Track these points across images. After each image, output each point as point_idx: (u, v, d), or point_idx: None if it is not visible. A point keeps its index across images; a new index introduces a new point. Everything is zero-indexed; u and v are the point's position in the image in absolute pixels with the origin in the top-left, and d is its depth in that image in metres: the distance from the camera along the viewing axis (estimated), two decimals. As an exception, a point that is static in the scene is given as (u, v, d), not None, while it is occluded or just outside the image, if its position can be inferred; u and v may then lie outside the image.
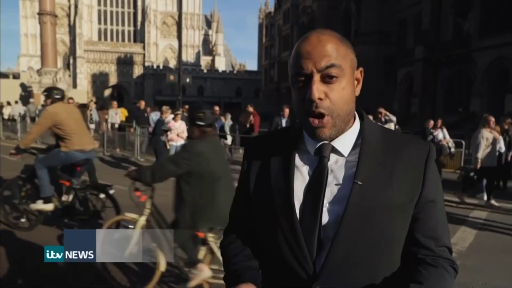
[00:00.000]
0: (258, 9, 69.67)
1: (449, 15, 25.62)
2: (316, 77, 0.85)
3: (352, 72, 0.90)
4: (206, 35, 77.93)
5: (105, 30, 68.51)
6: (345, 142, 0.92)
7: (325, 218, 0.89)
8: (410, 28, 29.35)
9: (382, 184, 0.88)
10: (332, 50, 0.85)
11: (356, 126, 0.95)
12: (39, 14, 22.49)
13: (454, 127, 16.18)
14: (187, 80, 15.44)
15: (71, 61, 63.03)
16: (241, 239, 1.05)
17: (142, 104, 13.04)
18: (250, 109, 12.13)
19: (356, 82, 0.93)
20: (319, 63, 0.84)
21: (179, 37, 18.24)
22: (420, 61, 26.30)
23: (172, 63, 67.85)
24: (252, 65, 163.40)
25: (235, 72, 74.70)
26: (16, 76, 37.76)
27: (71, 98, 11.72)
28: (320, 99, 0.85)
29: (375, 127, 0.97)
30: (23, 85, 24.79)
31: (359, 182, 0.87)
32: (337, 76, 0.86)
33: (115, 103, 14.43)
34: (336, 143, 0.91)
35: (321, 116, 0.86)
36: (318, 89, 0.84)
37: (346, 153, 0.92)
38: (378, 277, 0.90)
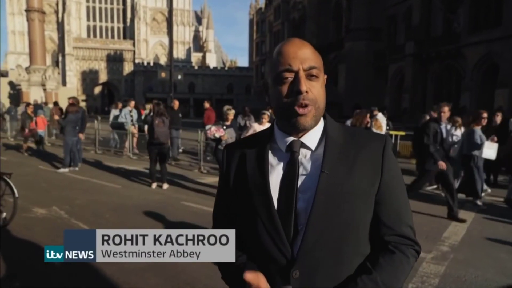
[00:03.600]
0: (249, 5, 69.56)
1: (438, 11, 25.80)
2: (302, 74, 0.97)
3: (323, 76, 1.03)
4: (197, 32, 77.55)
5: (94, 26, 67.78)
6: (312, 137, 1.03)
7: (298, 206, 0.98)
8: (400, 24, 29.52)
9: (346, 172, 0.99)
10: (313, 54, 1.00)
11: (321, 124, 1.06)
12: (27, 11, 22.18)
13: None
14: (179, 77, 15.38)
15: (60, 58, 62.32)
16: None
17: (176, 104, 12.01)
18: (206, 105, 12.28)
19: None
20: (304, 62, 0.97)
21: (170, 33, 18.10)
22: (410, 56, 26.49)
23: (163, 60, 67.45)
24: (243, 61, 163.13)
25: (226, 68, 74.43)
26: (4, 74, 37.14)
27: (73, 98, 10.94)
28: (306, 92, 0.96)
29: (337, 124, 1.09)
30: (11, 83, 24.44)
31: (325, 172, 0.98)
32: (317, 76, 0.99)
33: (132, 102, 13.36)
34: (304, 139, 1.03)
35: (305, 106, 0.97)
36: (305, 83, 0.96)
37: (313, 147, 1.03)
38: (347, 260, 0.99)
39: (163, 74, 14.60)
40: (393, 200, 1.02)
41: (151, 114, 8.79)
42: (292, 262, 0.96)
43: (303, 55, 0.97)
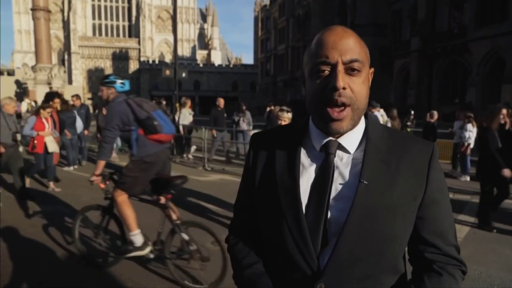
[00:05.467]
0: (254, 2, 69.37)
1: (444, 6, 25.56)
2: (341, 67, 0.85)
3: (368, 69, 0.92)
4: (202, 29, 77.53)
5: (100, 25, 68.01)
6: (351, 139, 0.93)
7: (330, 215, 0.90)
8: (406, 20, 29.31)
9: (387, 183, 0.89)
10: (356, 45, 0.88)
11: (362, 124, 0.95)
12: (33, 9, 22.25)
13: (450, 118, 16.23)
14: (183, 74, 15.29)
15: (66, 57, 62.64)
16: (246, 236, 1.08)
17: (221, 102, 10.95)
18: (186, 99, 11.91)
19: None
20: (345, 55, 0.86)
21: (174, 31, 18.13)
22: (416, 52, 26.28)
23: (168, 58, 67.57)
24: (248, 58, 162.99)
25: (231, 66, 74.42)
26: (10, 73, 37.52)
27: (76, 95, 10.80)
28: (344, 88, 0.85)
29: (379, 126, 0.98)
30: (18, 82, 24.63)
31: (364, 182, 0.88)
32: (359, 70, 0.87)
33: (189, 101, 11.92)
34: (342, 140, 0.92)
35: (342, 106, 0.87)
36: (343, 78, 0.85)
37: (352, 150, 0.93)
38: (381, 276, 0.92)
39: (167, 72, 14.58)
40: (437, 215, 0.93)
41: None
42: (318, 273, 0.88)
43: (344, 46, 0.85)
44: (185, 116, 11.15)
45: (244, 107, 11.09)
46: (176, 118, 11.28)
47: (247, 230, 1.08)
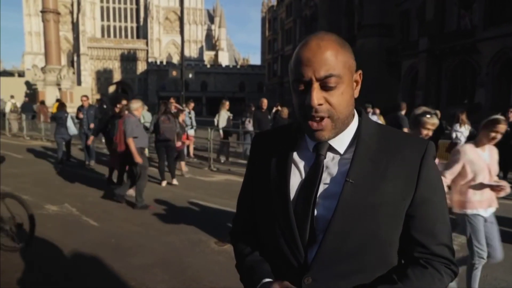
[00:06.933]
0: (261, 2, 69.38)
1: (453, 6, 25.33)
2: (316, 85, 0.86)
3: (351, 76, 0.92)
4: (209, 30, 77.78)
5: (108, 26, 68.54)
6: (342, 140, 0.95)
7: (317, 212, 0.92)
8: (414, 20, 29.07)
9: (374, 182, 0.90)
10: (331, 58, 0.86)
11: (354, 124, 0.97)
12: (42, 12, 22.48)
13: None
14: (190, 75, 15.40)
15: (75, 58, 63.21)
16: (247, 230, 1.13)
17: (265, 103, 10.23)
18: (172, 101, 11.67)
19: (355, 84, 0.95)
20: (318, 72, 0.86)
21: (181, 32, 18.24)
22: (424, 52, 26.06)
23: (176, 59, 67.82)
24: (255, 59, 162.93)
25: (238, 66, 74.47)
26: (21, 74, 37.98)
27: (85, 96, 10.94)
28: (320, 104, 0.87)
29: (372, 125, 0.99)
30: (28, 83, 24.93)
31: (350, 181, 0.90)
32: (335, 84, 0.87)
33: (227, 103, 11.12)
34: (333, 142, 0.95)
35: (320, 119, 0.89)
36: (317, 96, 0.86)
37: (342, 151, 0.95)
38: (371, 272, 0.93)
39: (174, 73, 14.62)
40: (428, 215, 0.93)
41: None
42: (305, 268, 0.92)
43: (317, 64, 0.85)
44: (224, 118, 10.85)
45: (252, 108, 11.00)
46: (215, 120, 10.89)
47: (248, 224, 1.13)
